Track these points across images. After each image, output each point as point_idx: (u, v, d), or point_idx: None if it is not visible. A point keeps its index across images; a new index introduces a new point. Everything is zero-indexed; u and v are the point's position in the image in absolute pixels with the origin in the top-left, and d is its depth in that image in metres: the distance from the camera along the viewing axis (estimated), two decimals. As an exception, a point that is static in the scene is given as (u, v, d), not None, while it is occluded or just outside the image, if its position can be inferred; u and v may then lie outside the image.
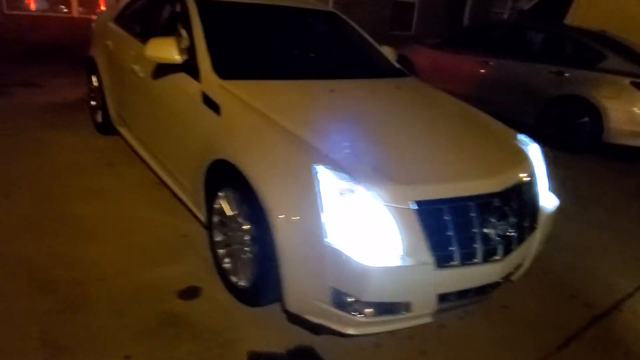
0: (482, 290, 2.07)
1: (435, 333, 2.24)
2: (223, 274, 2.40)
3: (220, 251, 2.41)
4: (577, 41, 5.85)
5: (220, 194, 2.31)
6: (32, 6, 7.22)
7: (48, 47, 7.29)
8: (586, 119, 5.45)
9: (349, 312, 1.85)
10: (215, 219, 2.41)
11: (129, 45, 3.46)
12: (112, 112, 3.98)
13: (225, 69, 2.54)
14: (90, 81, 4.43)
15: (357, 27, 3.60)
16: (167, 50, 2.63)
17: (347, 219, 1.80)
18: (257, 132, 2.10)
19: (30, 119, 4.65)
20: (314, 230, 1.81)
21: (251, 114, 2.20)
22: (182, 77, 2.69)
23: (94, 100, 4.47)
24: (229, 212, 2.27)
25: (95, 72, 4.17)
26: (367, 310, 1.84)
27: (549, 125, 5.77)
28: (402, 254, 1.79)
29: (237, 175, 2.09)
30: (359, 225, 1.80)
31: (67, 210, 2.98)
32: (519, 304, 2.54)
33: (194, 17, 2.83)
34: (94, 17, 5.22)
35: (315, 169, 1.85)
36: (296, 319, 2.01)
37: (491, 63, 6.37)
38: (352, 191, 1.82)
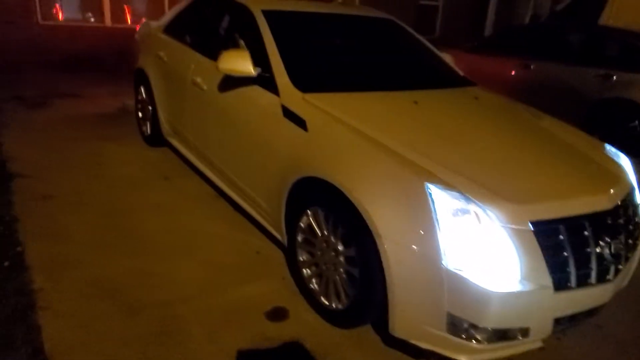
0: (591, 312, 1.98)
1: (536, 356, 2.14)
2: (309, 295, 2.32)
3: (306, 271, 2.34)
4: (625, 43, 5.71)
5: (307, 212, 2.25)
6: (66, 16, 7.25)
7: (83, 57, 7.31)
8: (636, 122, 5.31)
9: (464, 339, 1.77)
10: (300, 237, 2.34)
11: (188, 57, 3.41)
12: (164, 124, 3.95)
13: (305, 82, 2.47)
14: (139, 93, 4.40)
15: (415, 34, 3.53)
16: (241, 63, 2.57)
17: (463, 241, 1.72)
18: (356, 150, 2.02)
19: (77, 131, 4.63)
20: (429, 253, 1.74)
21: (345, 130, 2.13)
22: (256, 90, 2.63)
23: (141, 111, 4.44)
24: (318, 231, 2.21)
25: (145, 84, 4.14)
26: (483, 337, 1.76)
27: (595, 129, 5.63)
28: (521, 277, 1.71)
29: (332, 194, 2.03)
30: (476, 248, 1.72)
31: (136, 226, 2.94)
32: (612, 322, 2.43)
33: (264, 29, 2.77)
34: (132, 27, 5.21)
35: (428, 188, 1.77)
36: (398, 344, 1.93)
37: (532, 66, 6.25)
38: (466, 212, 1.74)
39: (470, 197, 1.75)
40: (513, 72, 6.42)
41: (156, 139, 4.20)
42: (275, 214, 2.53)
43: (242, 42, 3.24)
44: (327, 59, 2.93)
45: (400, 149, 1.95)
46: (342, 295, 2.11)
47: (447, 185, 1.78)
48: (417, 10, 11.31)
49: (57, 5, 7.24)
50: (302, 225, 2.30)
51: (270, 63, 2.60)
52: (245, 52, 2.60)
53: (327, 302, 2.20)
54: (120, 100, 5.80)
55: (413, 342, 1.88)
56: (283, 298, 2.38)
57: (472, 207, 1.73)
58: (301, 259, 2.36)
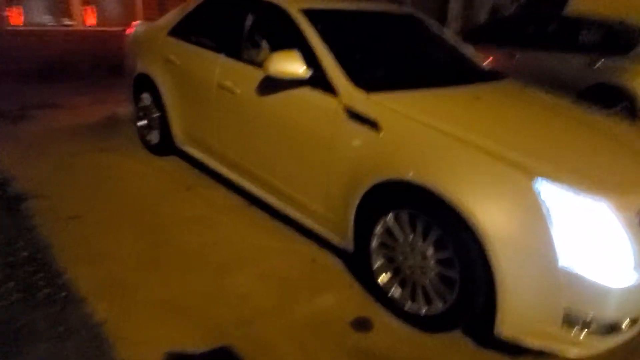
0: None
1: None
2: (388, 301, 2.25)
3: (383, 277, 2.27)
4: (605, 29, 5.97)
5: (387, 216, 2.17)
6: (33, 20, 6.74)
7: (56, 64, 6.84)
8: (618, 107, 5.55)
9: (578, 333, 1.76)
10: (375, 243, 2.26)
11: (210, 60, 3.23)
12: (177, 132, 3.74)
13: (366, 81, 2.39)
14: (140, 100, 4.15)
15: (439, 27, 3.51)
16: (293, 65, 2.46)
17: (578, 236, 1.71)
18: (448, 150, 1.97)
19: (72, 144, 4.31)
20: (543, 250, 1.72)
21: (426, 129, 2.07)
22: (308, 92, 2.52)
23: (144, 119, 4.19)
24: (400, 236, 2.14)
25: (150, 90, 3.91)
26: (598, 330, 1.76)
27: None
28: (635, 267, 1.71)
29: (421, 196, 1.97)
30: (590, 241, 1.71)
31: (178, 241, 2.75)
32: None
33: (307, 29, 2.65)
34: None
35: (536, 185, 1.75)
36: (494, 344, 1.92)
37: (517, 55, 6.42)
38: (578, 205, 1.73)
39: (579, 189, 1.74)
40: (499, 63, 6.56)
41: (165, 148, 3.98)
42: (338, 219, 2.44)
43: (264, 43, 3.12)
44: (377, 57, 2.85)
45: (493, 147, 1.91)
46: (436, 300, 2.06)
47: (554, 179, 1.76)
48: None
49: (22, 9, 6.71)
50: (378, 230, 2.22)
51: (322, 63, 2.50)
52: (296, 53, 2.48)
53: (414, 308, 2.14)
54: (107, 109, 5.46)
55: (523, 340, 1.85)
56: (360, 307, 2.29)
57: (583, 200, 1.72)
58: (377, 265, 2.29)
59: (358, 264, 2.50)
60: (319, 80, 2.48)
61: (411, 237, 2.10)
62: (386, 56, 2.92)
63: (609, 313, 1.72)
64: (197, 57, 3.39)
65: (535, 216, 1.74)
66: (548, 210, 1.72)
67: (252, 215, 3.16)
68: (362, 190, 2.21)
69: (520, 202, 1.77)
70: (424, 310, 2.11)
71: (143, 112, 4.18)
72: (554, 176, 1.77)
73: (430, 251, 2.04)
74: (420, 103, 2.31)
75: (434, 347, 2.06)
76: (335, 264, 2.66)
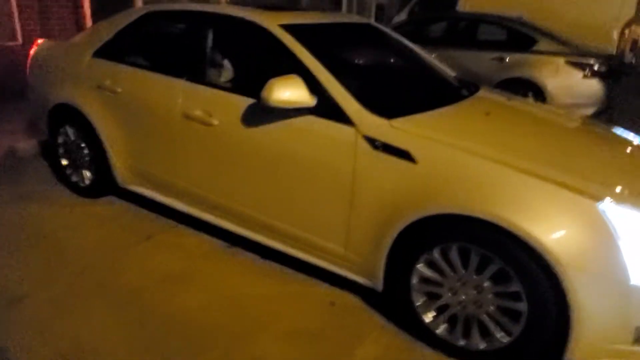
0: None
1: None
2: (436, 340, 2.10)
3: (429, 315, 2.11)
4: (508, 28, 6.46)
5: (430, 252, 2.01)
6: None
7: None
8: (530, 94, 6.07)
9: (649, 348, 1.79)
10: (415, 280, 2.09)
11: (169, 87, 2.76)
12: (121, 170, 3.18)
13: (381, 107, 2.19)
14: (61, 134, 3.46)
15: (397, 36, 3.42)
16: (297, 92, 2.17)
17: (646, 253, 1.72)
18: (503, 179, 1.86)
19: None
20: (614, 272, 1.72)
21: (469, 157, 1.94)
22: (313, 121, 2.25)
23: (69, 158, 3.50)
24: (448, 270, 2.00)
25: (76, 123, 3.27)
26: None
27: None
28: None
29: (475, 229, 1.86)
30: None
31: (164, 312, 2.28)
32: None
33: (297, 48, 2.38)
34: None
35: (602, 208, 1.72)
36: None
37: (433, 55, 6.67)
38: (640, 224, 1.74)
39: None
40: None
41: (101, 189, 3.38)
42: (363, 259, 2.23)
43: (226, 62, 2.77)
44: (372, 76, 2.66)
45: (549, 172, 1.85)
46: (497, 334, 1.95)
47: (618, 201, 1.75)
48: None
49: None
50: (420, 266, 2.06)
51: (328, 89, 2.24)
52: (297, 79, 2.19)
53: (472, 345, 2.02)
54: (4, 144, 4.51)
55: (594, 362, 1.83)
56: (407, 353, 2.11)
57: (644, 219, 1.74)
58: (419, 302, 2.12)
59: (390, 303, 2.31)
60: (325, 108, 2.23)
61: (463, 271, 1.97)
62: (381, 75, 2.75)
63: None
64: (148, 83, 2.88)
65: (604, 238, 1.72)
66: (615, 231, 1.71)
67: (237, 258, 2.79)
68: (399, 227, 2.03)
69: (588, 227, 1.74)
70: (482, 346, 2.00)
71: (65, 149, 3.50)
72: (617, 198, 1.77)
73: (487, 284, 1.93)
74: (444, 126, 2.18)
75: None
76: (355, 302, 2.44)
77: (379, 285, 2.23)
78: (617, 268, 1.71)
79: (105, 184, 3.31)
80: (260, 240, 2.62)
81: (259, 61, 2.60)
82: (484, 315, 1.97)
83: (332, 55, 2.55)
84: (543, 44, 6.13)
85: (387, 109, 2.19)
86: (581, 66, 5.82)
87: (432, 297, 2.10)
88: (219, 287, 2.52)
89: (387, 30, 3.38)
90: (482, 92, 2.80)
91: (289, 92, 2.15)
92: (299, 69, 2.32)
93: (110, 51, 3.14)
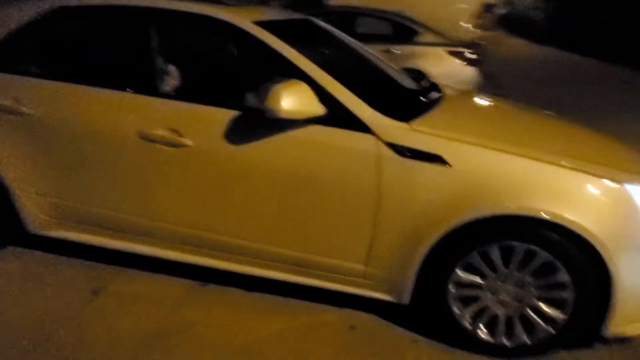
0: None
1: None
2: (480, 344, 2.06)
3: (468, 320, 2.04)
4: (391, 21, 6.78)
5: (468, 257, 1.94)
6: None
7: None
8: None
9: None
10: (452, 287, 2.01)
11: (112, 102, 2.19)
12: (36, 213, 2.46)
13: (394, 109, 2.03)
14: None
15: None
16: (308, 100, 1.90)
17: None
18: (537, 174, 1.88)
19: None
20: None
21: (496, 154, 1.90)
22: (322, 133, 1.99)
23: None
24: (488, 271, 1.96)
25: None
26: None
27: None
28: None
29: (516, 227, 1.86)
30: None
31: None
32: None
33: (285, 49, 2.08)
34: None
35: (627, 188, 1.86)
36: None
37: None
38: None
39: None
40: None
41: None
42: (387, 274, 2.08)
43: (173, 68, 2.35)
44: (361, 77, 2.44)
45: (575, 163, 1.91)
46: (540, 326, 1.97)
47: (636, 181, 1.90)
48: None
49: None
50: (459, 273, 1.98)
51: (332, 93, 2.00)
52: (304, 85, 1.91)
53: (518, 341, 2.01)
54: None
55: (627, 332, 1.97)
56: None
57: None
58: (457, 309, 2.04)
59: (418, 314, 2.19)
60: (333, 115, 1.98)
61: (504, 269, 1.95)
62: (364, 76, 2.55)
63: None
64: (76, 100, 2.25)
65: (633, 215, 1.85)
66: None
67: (223, 298, 2.38)
68: (437, 235, 1.92)
69: (619, 207, 1.86)
70: (529, 341, 2.01)
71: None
72: (635, 178, 1.91)
73: (528, 279, 1.94)
74: (459, 126, 2.12)
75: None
76: (376, 321, 2.27)
77: (406, 298, 2.10)
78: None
79: (12, 231, 2.55)
80: (253, 272, 2.27)
81: (235, 66, 2.22)
82: (527, 310, 1.98)
83: (314, 55, 2.29)
84: (424, 36, 6.58)
85: (397, 111, 2.04)
86: (460, 55, 6.39)
87: (469, 301, 2.04)
88: (224, 338, 2.11)
89: (327, 25, 3.20)
90: (447, 90, 2.82)
91: (298, 100, 1.86)
92: (290, 72, 2.03)
93: (3, 60, 2.39)
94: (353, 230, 2.04)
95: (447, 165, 1.89)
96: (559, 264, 1.87)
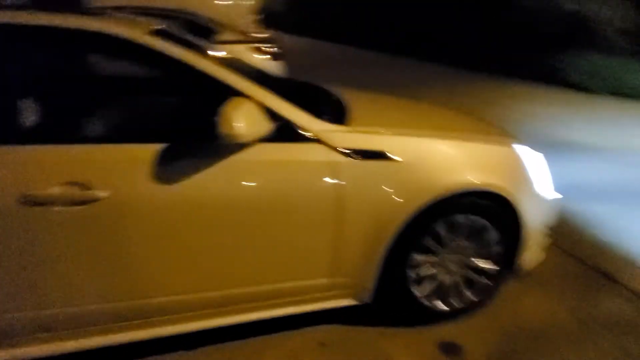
0: None
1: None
2: (437, 314, 2.25)
3: (430, 299, 2.21)
4: (185, 20, 6.38)
5: (423, 239, 2.08)
6: None
7: None
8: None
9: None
10: (412, 273, 2.12)
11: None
12: None
13: (326, 114, 2.01)
14: None
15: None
16: (259, 119, 1.69)
17: (543, 174, 2.38)
18: (460, 151, 2.11)
19: None
20: (537, 194, 2.32)
21: (429, 141, 2.08)
22: (267, 151, 1.80)
23: None
24: (439, 247, 2.14)
25: None
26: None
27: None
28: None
29: (457, 202, 2.08)
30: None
31: None
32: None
33: (204, 63, 1.78)
34: None
35: (516, 149, 2.27)
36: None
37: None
38: (535, 156, 2.37)
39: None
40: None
41: None
42: (352, 279, 2.07)
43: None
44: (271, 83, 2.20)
45: (473, 136, 2.23)
46: (481, 282, 2.27)
47: (520, 142, 2.32)
48: None
49: None
50: (417, 256, 2.10)
51: (273, 107, 1.81)
52: (249, 103, 1.68)
53: (465, 301, 2.27)
54: None
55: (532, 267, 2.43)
56: (421, 345, 2.15)
57: (533, 151, 2.38)
58: (418, 294, 2.17)
59: (384, 308, 2.23)
60: (279, 130, 1.82)
61: (455, 241, 2.16)
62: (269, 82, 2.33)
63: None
64: None
65: (522, 167, 2.26)
66: (525, 163, 2.28)
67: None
68: (396, 228, 1.99)
69: (515, 164, 2.26)
70: (475, 297, 2.28)
71: None
72: (515, 139, 2.34)
73: (466, 243, 2.19)
74: (382, 119, 2.21)
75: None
76: (343, 330, 2.22)
77: (369, 296, 2.13)
78: (536, 189, 2.29)
79: None
80: (215, 324, 1.95)
81: (149, 91, 1.76)
82: (469, 272, 2.25)
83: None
84: (223, 35, 6.43)
85: (331, 116, 2.01)
86: (262, 50, 6.48)
87: (425, 280, 2.19)
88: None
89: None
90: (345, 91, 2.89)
91: (251, 121, 1.64)
92: (213, 88, 1.76)
93: None
94: (317, 244, 1.94)
95: (395, 159, 1.96)
96: (489, 225, 2.17)
